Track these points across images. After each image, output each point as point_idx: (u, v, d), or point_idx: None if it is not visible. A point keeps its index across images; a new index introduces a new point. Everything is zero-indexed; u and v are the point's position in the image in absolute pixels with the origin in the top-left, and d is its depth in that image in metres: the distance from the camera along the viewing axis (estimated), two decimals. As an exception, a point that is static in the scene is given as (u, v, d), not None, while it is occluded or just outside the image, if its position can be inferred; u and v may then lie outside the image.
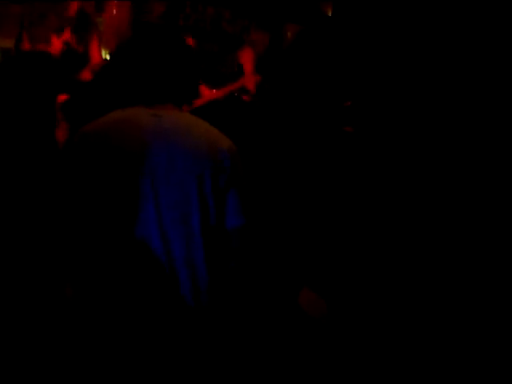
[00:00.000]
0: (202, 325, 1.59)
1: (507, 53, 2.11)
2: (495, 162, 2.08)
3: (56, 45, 3.57)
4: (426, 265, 2.01)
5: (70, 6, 4.23)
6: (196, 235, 1.51)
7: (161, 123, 1.50)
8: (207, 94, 4.82)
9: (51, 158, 3.03)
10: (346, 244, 1.96)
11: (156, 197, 1.46)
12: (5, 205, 2.88)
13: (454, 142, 2.14)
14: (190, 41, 4.78)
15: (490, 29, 2.13)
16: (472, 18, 2.17)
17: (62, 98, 3.44)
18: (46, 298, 2.41)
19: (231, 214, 1.57)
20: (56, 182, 1.67)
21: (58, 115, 3.47)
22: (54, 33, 3.54)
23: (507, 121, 2.11)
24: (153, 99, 1.58)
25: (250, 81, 5.08)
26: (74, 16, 4.15)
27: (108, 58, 4.58)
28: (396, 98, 2.34)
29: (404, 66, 2.40)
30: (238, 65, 5.24)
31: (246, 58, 5.19)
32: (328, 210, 1.99)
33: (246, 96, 4.85)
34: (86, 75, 3.94)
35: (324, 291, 1.92)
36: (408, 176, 2.11)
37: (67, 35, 3.79)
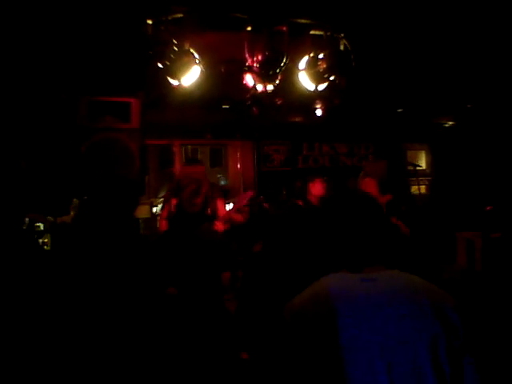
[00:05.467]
0: None
1: None
2: None
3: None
4: None
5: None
6: None
7: (376, 287, 1.40)
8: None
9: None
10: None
11: (388, 371, 1.30)
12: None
13: None
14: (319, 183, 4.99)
15: None
16: None
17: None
18: None
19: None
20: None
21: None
22: None
23: None
24: (361, 263, 1.47)
25: None
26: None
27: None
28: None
29: None
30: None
31: (370, 186, 5.18)
32: None
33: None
34: (220, 226, 4.21)
35: None
36: None
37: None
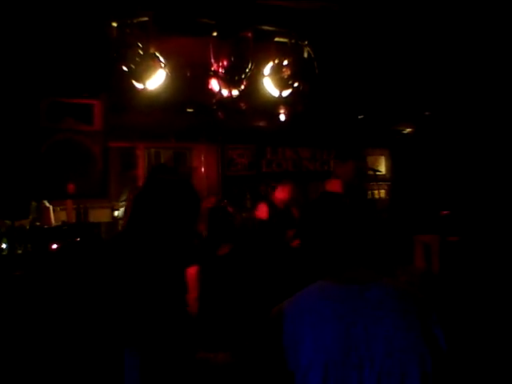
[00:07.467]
0: None
1: None
2: None
3: None
4: None
5: None
6: None
7: (364, 295, 1.39)
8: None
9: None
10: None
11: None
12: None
13: None
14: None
15: None
16: None
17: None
18: None
19: None
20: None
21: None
22: None
23: None
24: (347, 267, 1.47)
25: None
26: None
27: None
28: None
29: None
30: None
31: (335, 187, 5.30)
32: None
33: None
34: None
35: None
36: None
37: None
